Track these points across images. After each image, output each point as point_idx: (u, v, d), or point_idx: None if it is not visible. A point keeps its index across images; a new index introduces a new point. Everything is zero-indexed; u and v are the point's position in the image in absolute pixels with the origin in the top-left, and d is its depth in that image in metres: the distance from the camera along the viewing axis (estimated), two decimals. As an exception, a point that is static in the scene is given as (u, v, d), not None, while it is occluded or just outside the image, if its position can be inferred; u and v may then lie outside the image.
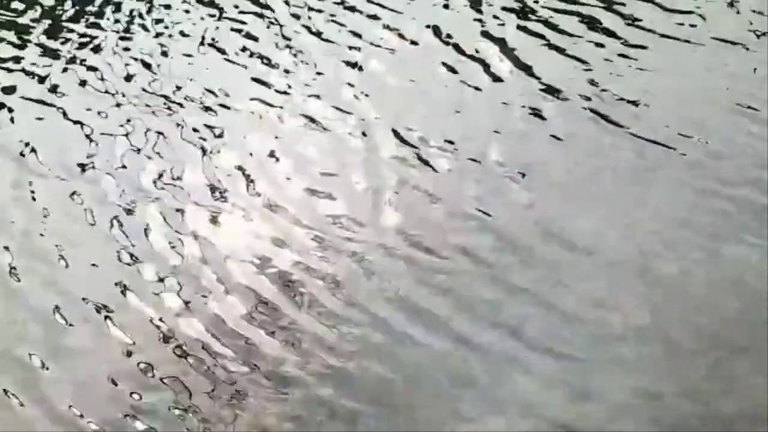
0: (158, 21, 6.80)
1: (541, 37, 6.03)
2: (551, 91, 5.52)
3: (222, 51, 6.36)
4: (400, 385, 4.00)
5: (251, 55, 6.28)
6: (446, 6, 6.48)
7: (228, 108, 5.79)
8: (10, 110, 6.07)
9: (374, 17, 6.46)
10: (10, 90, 6.26)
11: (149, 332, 4.39)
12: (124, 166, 5.42)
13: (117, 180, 5.32)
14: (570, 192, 4.80)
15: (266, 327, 4.32)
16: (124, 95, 6.03)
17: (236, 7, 6.82)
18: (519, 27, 6.13)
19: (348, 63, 6.02)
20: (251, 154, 5.37)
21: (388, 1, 6.58)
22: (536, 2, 6.34)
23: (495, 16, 6.28)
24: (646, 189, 4.74)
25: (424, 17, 6.37)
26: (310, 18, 6.56)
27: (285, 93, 5.85)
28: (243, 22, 6.64)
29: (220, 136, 5.56)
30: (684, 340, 3.98)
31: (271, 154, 5.36)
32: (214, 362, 4.20)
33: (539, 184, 4.88)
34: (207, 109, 5.80)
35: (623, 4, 6.19)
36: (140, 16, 6.88)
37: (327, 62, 6.05)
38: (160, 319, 4.43)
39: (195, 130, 5.62)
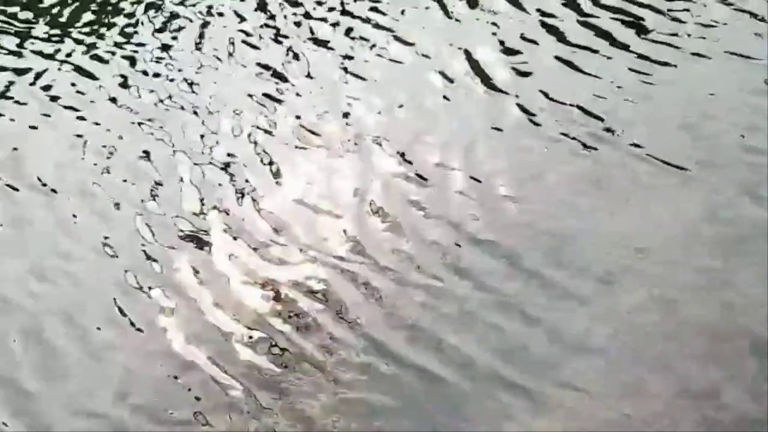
0: (158, 30, 6.75)
1: (543, 48, 5.93)
2: (552, 104, 5.43)
3: (219, 61, 6.32)
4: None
5: (248, 64, 6.23)
6: (448, 16, 6.40)
7: (224, 119, 5.74)
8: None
9: (375, 25, 6.40)
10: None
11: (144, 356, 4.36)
12: (122, 177, 5.40)
13: (114, 192, 5.30)
14: (570, 209, 4.74)
15: (266, 347, 4.27)
16: (115, 109, 6.00)
17: (239, 16, 6.78)
18: (521, 37, 6.05)
19: (346, 73, 5.97)
20: (245, 170, 5.31)
21: (386, 10, 6.52)
22: (537, 12, 6.25)
23: (493, 23, 6.22)
24: (646, 207, 4.67)
25: (424, 27, 6.31)
26: (309, 26, 6.52)
27: (280, 102, 5.81)
28: (241, 30, 6.60)
29: (216, 149, 5.51)
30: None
31: (268, 170, 5.30)
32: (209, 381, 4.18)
33: (540, 201, 4.80)
34: (204, 120, 5.76)
35: (628, 14, 6.09)
36: (140, 23, 6.83)
37: (325, 74, 6.00)
38: (150, 342, 4.41)
39: (193, 142, 5.59)
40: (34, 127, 5.92)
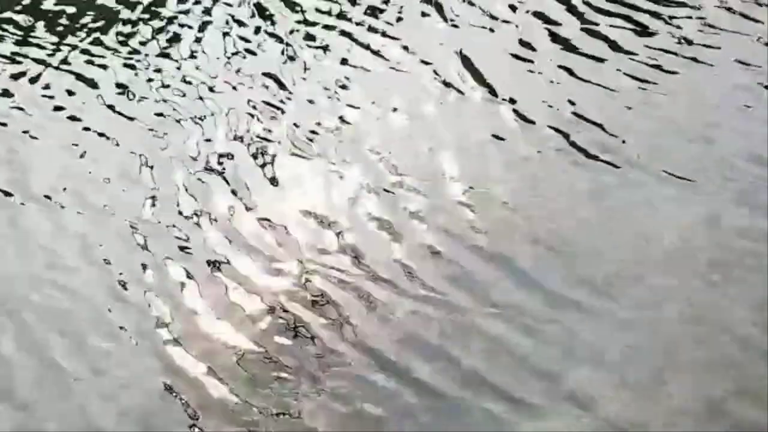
0: (154, 37, 6.73)
1: (542, 55, 5.90)
2: (551, 112, 5.39)
3: (216, 67, 6.29)
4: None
5: (244, 71, 6.20)
6: (446, 21, 6.36)
7: (220, 126, 5.71)
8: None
9: (372, 31, 6.37)
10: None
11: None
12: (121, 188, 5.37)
13: (110, 200, 5.27)
14: (569, 219, 4.71)
15: (261, 358, 4.25)
16: (111, 116, 5.96)
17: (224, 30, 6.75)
18: (521, 43, 6.02)
19: (342, 79, 5.94)
20: (240, 178, 5.28)
21: (384, 16, 6.49)
22: (537, 19, 6.21)
23: (492, 29, 6.20)
24: (647, 216, 4.64)
25: (421, 33, 6.28)
26: (306, 33, 6.48)
27: (275, 108, 5.78)
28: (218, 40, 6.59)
29: (212, 157, 5.49)
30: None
31: (264, 178, 5.28)
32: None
33: (540, 211, 4.77)
34: (200, 127, 5.73)
35: (630, 21, 6.05)
36: (138, 29, 6.80)
37: (321, 81, 5.96)
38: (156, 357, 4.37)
39: (189, 149, 5.56)
40: (29, 134, 5.88)
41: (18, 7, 7.13)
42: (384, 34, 6.30)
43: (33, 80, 6.35)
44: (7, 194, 5.39)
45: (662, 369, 3.92)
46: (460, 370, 4.06)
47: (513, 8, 6.32)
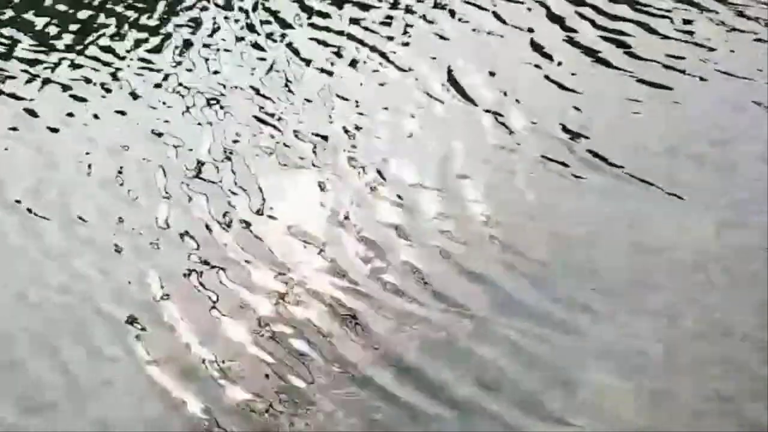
0: (140, 47, 6.71)
1: (530, 67, 5.90)
2: (538, 125, 5.39)
3: (201, 79, 6.27)
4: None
5: (230, 82, 6.19)
6: (432, 33, 6.38)
7: (205, 139, 5.68)
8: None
9: (359, 42, 6.39)
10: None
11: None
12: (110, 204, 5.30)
13: (93, 214, 5.20)
14: (554, 234, 4.67)
15: (249, 378, 4.17)
16: (93, 127, 5.91)
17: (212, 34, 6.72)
18: (508, 56, 6.03)
19: (328, 91, 5.93)
20: (225, 191, 5.23)
21: (371, 27, 6.50)
22: (526, 31, 6.22)
23: (479, 41, 6.21)
24: (633, 232, 4.61)
25: (408, 44, 6.30)
26: (291, 44, 6.49)
27: (261, 121, 5.75)
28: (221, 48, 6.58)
29: (196, 169, 5.44)
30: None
31: (249, 192, 5.22)
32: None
33: (525, 226, 4.74)
34: (184, 140, 5.69)
35: (620, 33, 6.08)
36: (123, 40, 6.78)
37: (307, 92, 5.95)
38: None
39: (173, 162, 5.51)
40: (10, 146, 5.82)
41: (1, 19, 7.13)
42: (372, 47, 6.31)
43: (17, 92, 6.31)
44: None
45: (666, 375, 3.90)
46: (444, 387, 4.00)
47: (501, 20, 6.37)
